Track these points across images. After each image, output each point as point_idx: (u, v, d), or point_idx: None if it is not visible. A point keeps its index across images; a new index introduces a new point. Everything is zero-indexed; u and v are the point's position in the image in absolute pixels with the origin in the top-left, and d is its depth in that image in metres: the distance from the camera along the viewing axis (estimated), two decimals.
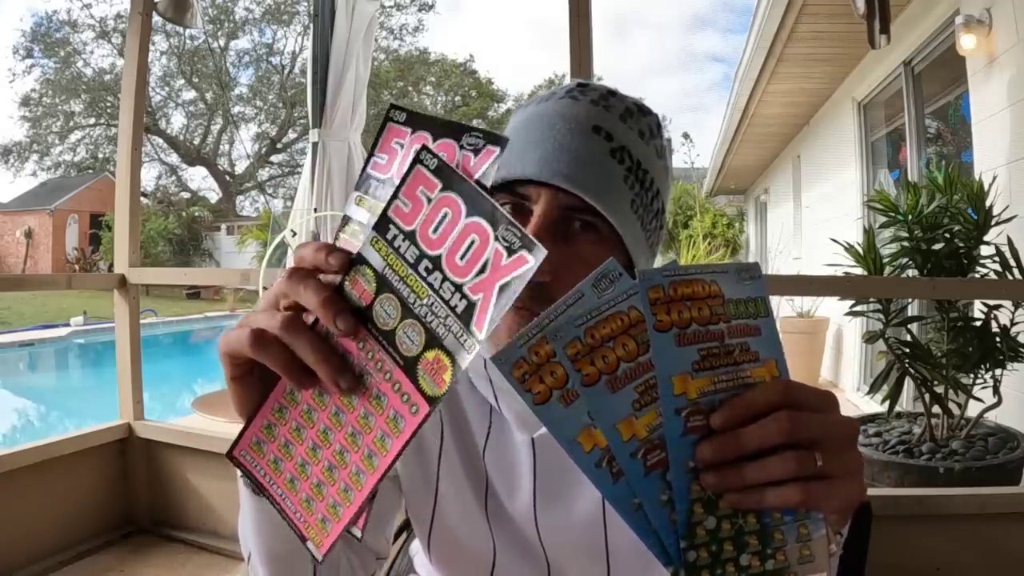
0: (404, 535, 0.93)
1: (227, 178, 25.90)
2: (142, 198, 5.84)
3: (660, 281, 0.40)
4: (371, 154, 0.47)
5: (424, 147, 0.42)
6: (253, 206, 26.45)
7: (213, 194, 26.25)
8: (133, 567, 2.22)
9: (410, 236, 0.42)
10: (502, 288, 0.38)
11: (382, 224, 0.43)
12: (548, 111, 0.68)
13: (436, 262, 0.40)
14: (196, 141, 25.43)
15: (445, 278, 0.40)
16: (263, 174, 25.98)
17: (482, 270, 0.39)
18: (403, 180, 0.42)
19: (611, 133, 0.66)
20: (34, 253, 20.70)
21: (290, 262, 2.69)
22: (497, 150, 0.42)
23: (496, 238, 0.39)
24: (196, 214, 22.95)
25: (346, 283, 0.44)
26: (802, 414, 0.41)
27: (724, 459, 0.40)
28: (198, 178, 29.88)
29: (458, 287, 0.39)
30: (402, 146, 0.45)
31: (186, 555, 2.31)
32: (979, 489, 1.87)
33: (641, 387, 0.40)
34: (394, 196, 0.42)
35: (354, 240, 0.46)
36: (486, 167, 0.42)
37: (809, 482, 0.40)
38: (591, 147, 0.65)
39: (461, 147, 0.43)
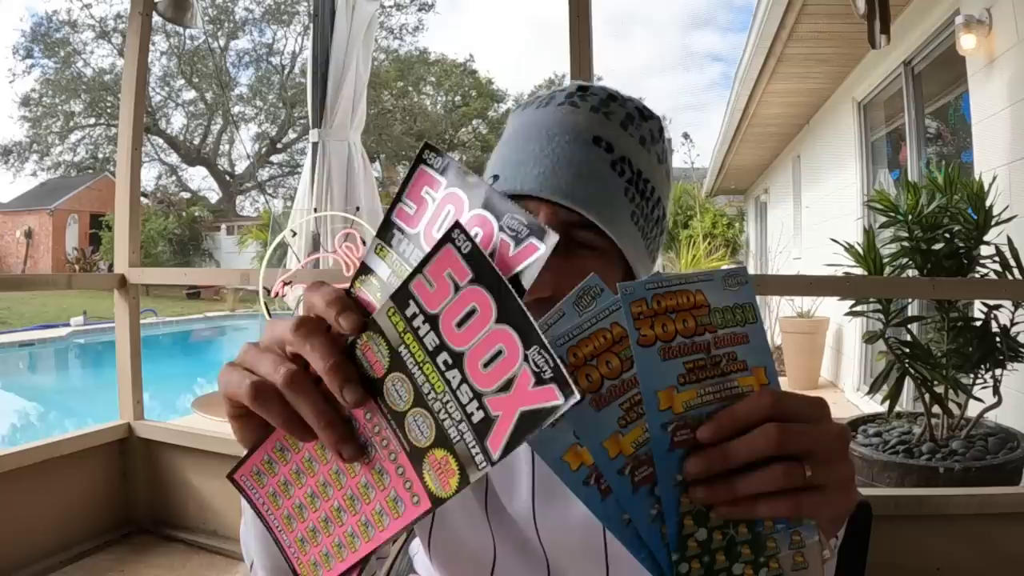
0: (404, 535, 0.93)
1: (227, 178, 25.90)
2: (142, 198, 5.84)
3: (643, 295, 0.40)
4: (398, 198, 0.42)
5: (458, 225, 0.37)
6: (253, 206, 26.49)
7: (213, 194, 26.28)
8: (133, 567, 2.22)
9: (431, 321, 0.37)
10: (523, 416, 0.34)
11: (401, 297, 0.38)
12: (547, 119, 0.67)
13: (457, 360, 0.37)
14: (196, 141, 25.43)
15: (464, 380, 0.36)
16: (263, 174, 25.96)
17: (506, 387, 0.35)
18: (430, 255, 0.38)
19: (612, 144, 0.65)
20: (34, 253, 20.71)
21: (291, 262, 2.70)
22: (542, 248, 0.37)
23: (526, 358, 0.34)
24: (196, 214, 22.91)
25: (358, 345, 0.40)
26: (791, 426, 0.40)
27: (712, 473, 0.40)
28: (198, 178, 29.81)
29: (477, 395, 0.36)
30: (433, 199, 0.41)
31: (186, 555, 2.31)
32: (979, 489, 1.88)
33: (626, 404, 0.40)
34: (418, 270, 0.38)
35: (370, 294, 0.42)
36: (527, 264, 0.37)
37: (799, 493, 0.40)
38: (591, 160, 0.64)
39: (501, 228, 0.38)
